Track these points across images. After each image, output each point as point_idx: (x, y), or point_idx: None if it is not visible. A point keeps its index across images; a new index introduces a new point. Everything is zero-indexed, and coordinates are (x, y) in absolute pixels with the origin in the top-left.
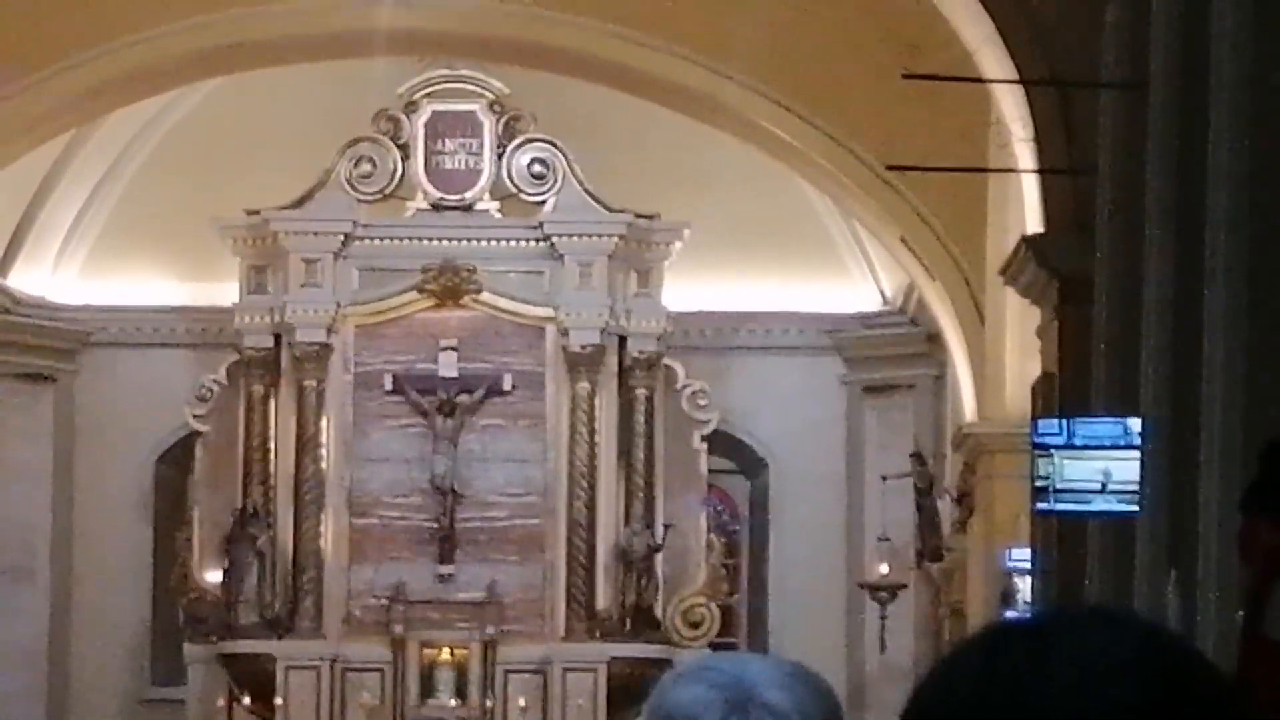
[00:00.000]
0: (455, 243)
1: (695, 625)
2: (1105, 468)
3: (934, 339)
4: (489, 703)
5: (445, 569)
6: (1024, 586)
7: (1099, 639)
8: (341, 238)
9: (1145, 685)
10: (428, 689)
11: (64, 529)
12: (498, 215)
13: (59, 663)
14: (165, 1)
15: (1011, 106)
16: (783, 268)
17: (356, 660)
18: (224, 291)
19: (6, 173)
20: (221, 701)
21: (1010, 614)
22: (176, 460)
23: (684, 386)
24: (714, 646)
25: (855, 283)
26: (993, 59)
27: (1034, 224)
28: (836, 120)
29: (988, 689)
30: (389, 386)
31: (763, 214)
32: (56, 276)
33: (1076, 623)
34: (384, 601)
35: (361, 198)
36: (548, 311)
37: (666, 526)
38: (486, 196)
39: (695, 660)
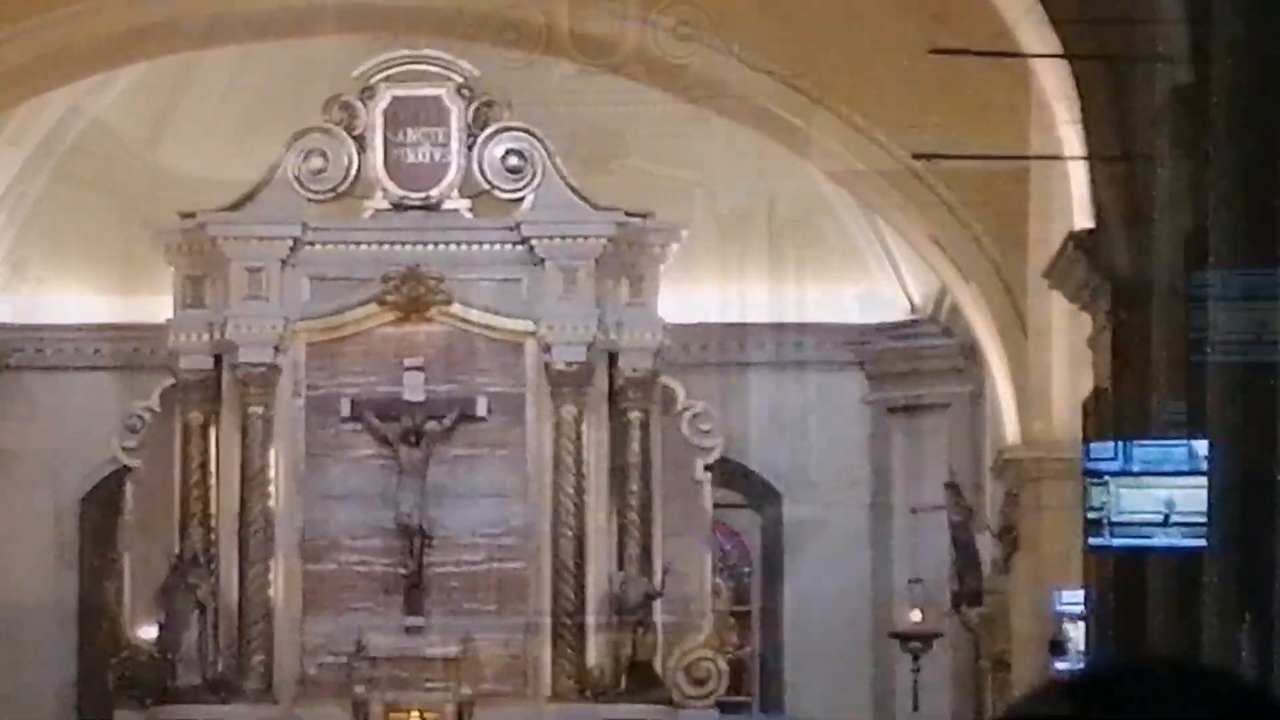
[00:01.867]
0: (420, 247)
1: (700, 682)
2: (1168, 497)
3: (970, 351)
4: None
5: (413, 621)
6: (1077, 634)
7: (1174, 699)
8: (290, 243)
9: None
10: None
11: None
12: (468, 215)
13: None
14: None
15: (1055, 84)
16: (796, 273)
17: None
18: (156, 306)
19: None
20: None
21: (1062, 666)
22: (104, 500)
23: (684, 409)
24: (722, 706)
25: (879, 289)
26: (1033, 31)
27: (1083, 219)
28: (854, 102)
29: None
30: (346, 413)
31: (771, 211)
32: None
33: (1147, 681)
34: (343, 659)
35: (312, 197)
36: (527, 325)
37: (666, 570)
38: (455, 194)
39: None
